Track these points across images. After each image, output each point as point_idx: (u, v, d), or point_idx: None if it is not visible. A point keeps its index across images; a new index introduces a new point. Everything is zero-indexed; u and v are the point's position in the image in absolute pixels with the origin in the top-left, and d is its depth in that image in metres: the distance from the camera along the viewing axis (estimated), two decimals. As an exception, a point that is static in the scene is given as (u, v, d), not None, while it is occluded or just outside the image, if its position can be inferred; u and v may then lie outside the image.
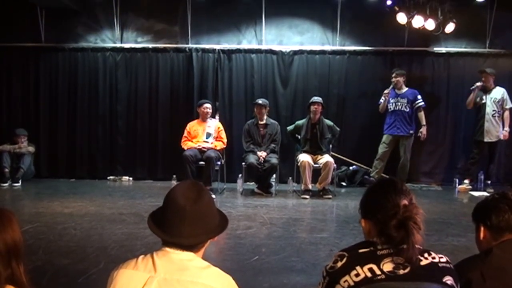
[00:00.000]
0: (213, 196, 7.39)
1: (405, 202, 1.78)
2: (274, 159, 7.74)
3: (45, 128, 9.12)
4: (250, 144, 7.97)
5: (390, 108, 8.37)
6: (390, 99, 8.36)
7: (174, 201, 1.76)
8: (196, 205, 1.75)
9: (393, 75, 8.35)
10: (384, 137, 8.44)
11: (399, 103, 8.31)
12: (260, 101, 8.09)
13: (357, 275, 1.70)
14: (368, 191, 1.95)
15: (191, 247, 1.75)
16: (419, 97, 8.32)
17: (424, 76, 8.95)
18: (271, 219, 6.19)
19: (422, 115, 8.36)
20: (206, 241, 1.82)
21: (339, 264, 1.75)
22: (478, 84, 8.13)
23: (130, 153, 9.13)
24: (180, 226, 1.73)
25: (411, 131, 8.33)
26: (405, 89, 8.38)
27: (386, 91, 8.34)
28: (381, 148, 8.44)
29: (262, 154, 7.80)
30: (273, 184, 8.08)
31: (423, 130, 8.35)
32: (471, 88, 8.19)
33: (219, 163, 7.89)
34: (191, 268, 1.69)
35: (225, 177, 8.38)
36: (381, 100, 8.40)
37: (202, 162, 7.71)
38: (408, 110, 8.29)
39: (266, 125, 8.02)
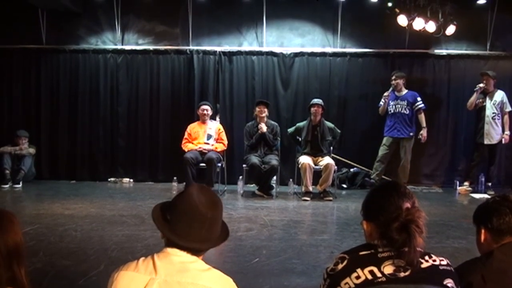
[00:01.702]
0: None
1: (408, 205, 1.78)
2: (274, 161, 7.73)
3: (46, 130, 9.12)
4: (251, 143, 7.95)
5: (390, 111, 8.36)
6: (390, 101, 8.35)
7: (194, 206, 1.76)
8: (215, 211, 1.80)
9: (393, 77, 8.35)
10: (385, 139, 8.44)
11: (399, 106, 8.30)
12: (263, 100, 8.19)
13: (358, 277, 1.70)
14: (371, 193, 1.95)
15: (199, 251, 1.78)
16: (418, 99, 8.32)
17: (425, 78, 8.95)
18: (271, 221, 6.19)
19: (422, 117, 8.36)
20: (216, 245, 1.85)
21: (340, 266, 1.76)
22: (481, 85, 8.13)
23: (130, 154, 9.13)
24: (200, 230, 1.76)
25: (411, 133, 8.32)
26: (405, 91, 8.37)
27: (386, 94, 8.34)
28: (382, 150, 8.43)
29: (263, 127, 7.83)
30: (274, 186, 8.07)
31: (424, 132, 8.34)
32: (474, 89, 8.18)
33: (219, 164, 7.89)
34: (191, 270, 1.70)
35: (226, 179, 8.38)
36: (381, 103, 8.40)
37: (202, 164, 7.71)
38: (408, 112, 8.28)
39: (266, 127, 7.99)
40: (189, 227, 1.75)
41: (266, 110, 8.02)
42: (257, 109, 8.01)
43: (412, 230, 1.70)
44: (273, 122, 8.21)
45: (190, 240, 1.74)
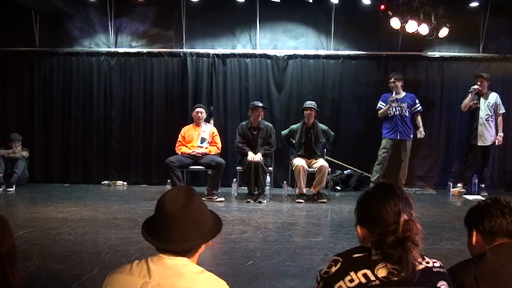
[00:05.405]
0: (222, 199, 7.55)
1: (405, 216, 1.75)
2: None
3: (40, 133, 9.09)
4: (243, 146, 7.88)
5: (390, 113, 8.28)
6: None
7: (163, 208, 1.76)
8: (185, 210, 1.75)
9: (391, 79, 8.30)
10: (384, 142, 8.34)
11: (399, 108, 8.28)
12: (260, 104, 8.01)
13: (351, 280, 1.69)
14: (367, 197, 1.89)
15: (184, 253, 1.75)
16: (417, 101, 8.36)
17: (418, 80, 8.97)
18: (265, 223, 6.19)
19: (419, 119, 8.41)
20: (199, 246, 1.81)
21: (333, 269, 1.75)
22: (476, 87, 8.15)
23: (124, 157, 9.11)
24: (170, 232, 1.74)
25: (412, 135, 8.35)
26: (403, 93, 8.36)
27: (392, 99, 8.19)
28: (382, 153, 8.31)
29: (254, 156, 7.70)
30: (267, 188, 8.04)
31: (422, 130, 8.37)
32: (469, 91, 8.20)
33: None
34: (185, 274, 1.69)
35: (220, 181, 8.34)
36: (382, 106, 8.31)
37: (197, 167, 7.73)
38: (408, 114, 8.29)
39: (259, 128, 7.95)
40: (160, 228, 1.75)
41: (261, 113, 7.93)
42: (251, 112, 7.92)
43: (408, 247, 1.67)
44: (267, 124, 8.10)
45: (165, 241, 1.74)
